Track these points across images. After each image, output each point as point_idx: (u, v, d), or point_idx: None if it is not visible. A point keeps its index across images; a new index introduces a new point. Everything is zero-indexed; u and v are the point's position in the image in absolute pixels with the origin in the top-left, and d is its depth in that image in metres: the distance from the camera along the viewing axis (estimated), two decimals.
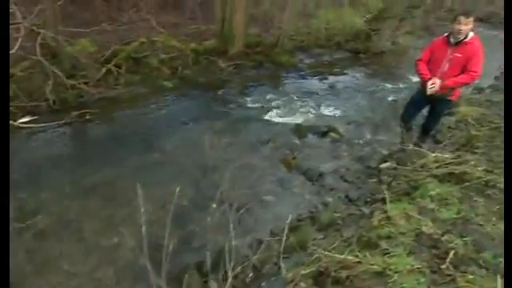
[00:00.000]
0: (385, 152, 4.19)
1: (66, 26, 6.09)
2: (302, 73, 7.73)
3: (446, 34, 3.29)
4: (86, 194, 3.30)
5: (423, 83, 3.42)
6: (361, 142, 4.55)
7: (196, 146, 4.32)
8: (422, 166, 3.17)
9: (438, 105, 3.59)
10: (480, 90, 6.70)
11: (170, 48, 7.04)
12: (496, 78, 7.46)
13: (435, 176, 2.75)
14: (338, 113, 5.58)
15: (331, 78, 7.54)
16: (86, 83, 5.73)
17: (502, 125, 3.83)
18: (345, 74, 7.88)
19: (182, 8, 8.38)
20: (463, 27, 3.02)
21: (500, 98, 5.37)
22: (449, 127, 4.62)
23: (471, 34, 3.12)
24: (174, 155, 4.16)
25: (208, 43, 7.42)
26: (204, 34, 7.61)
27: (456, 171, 2.67)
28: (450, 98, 3.45)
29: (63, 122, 4.65)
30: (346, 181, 3.57)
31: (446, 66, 3.28)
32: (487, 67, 8.31)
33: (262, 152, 4.16)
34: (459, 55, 3.15)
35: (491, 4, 17.17)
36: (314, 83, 7.17)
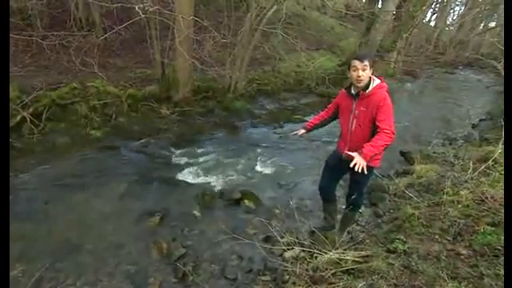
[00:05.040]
0: (303, 231, 3.20)
1: None
2: (257, 120, 6.95)
3: (346, 86, 2.51)
4: None
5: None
6: (283, 212, 3.59)
7: (69, 218, 3.43)
8: (315, 269, 2.18)
9: (357, 173, 2.69)
10: (452, 140, 5.74)
11: (105, 94, 6.41)
12: (473, 126, 6.52)
13: None
14: (273, 170, 4.66)
15: (287, 127, 6.74)
16: None
17: (451, 198, 2.88)
18: (305, 121, 7.06)
19: (131, 50, 7.91)
20: (361, 73, 2.23)
21: (468, 153, 4.43)
22: (394, 194, 3.65)
23: (376, 82, 2.31)
24: (34, 229, 3.24)
25: (150, 88, 6.78)
26: (149, 79, 7.00)
27: None
28: (369, 165, 2.55)
29: None
30: (226, 277, 2.56)
31: (353, 125, 2.45)
32: (467, 114, 7.44)
33: (144, 228, 3.21)
34: (364, 109, 2.33)
35: (475, 50, 16.93)
36: (264, 133, 6.36)
